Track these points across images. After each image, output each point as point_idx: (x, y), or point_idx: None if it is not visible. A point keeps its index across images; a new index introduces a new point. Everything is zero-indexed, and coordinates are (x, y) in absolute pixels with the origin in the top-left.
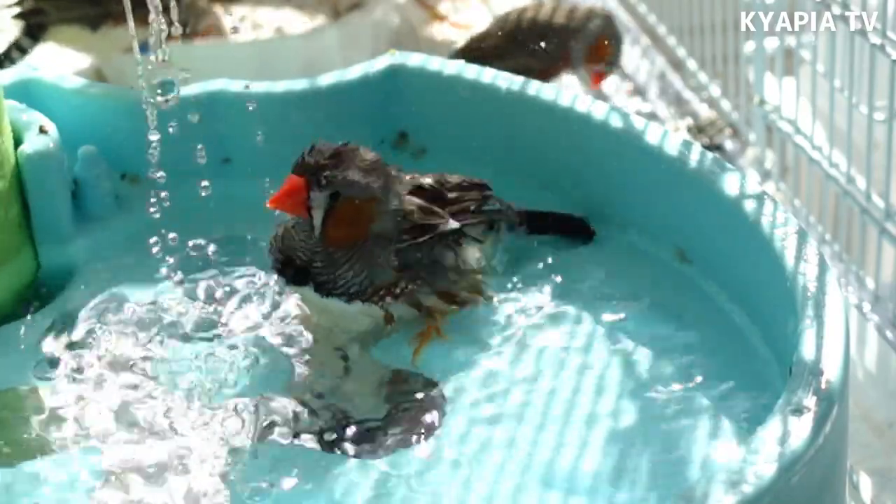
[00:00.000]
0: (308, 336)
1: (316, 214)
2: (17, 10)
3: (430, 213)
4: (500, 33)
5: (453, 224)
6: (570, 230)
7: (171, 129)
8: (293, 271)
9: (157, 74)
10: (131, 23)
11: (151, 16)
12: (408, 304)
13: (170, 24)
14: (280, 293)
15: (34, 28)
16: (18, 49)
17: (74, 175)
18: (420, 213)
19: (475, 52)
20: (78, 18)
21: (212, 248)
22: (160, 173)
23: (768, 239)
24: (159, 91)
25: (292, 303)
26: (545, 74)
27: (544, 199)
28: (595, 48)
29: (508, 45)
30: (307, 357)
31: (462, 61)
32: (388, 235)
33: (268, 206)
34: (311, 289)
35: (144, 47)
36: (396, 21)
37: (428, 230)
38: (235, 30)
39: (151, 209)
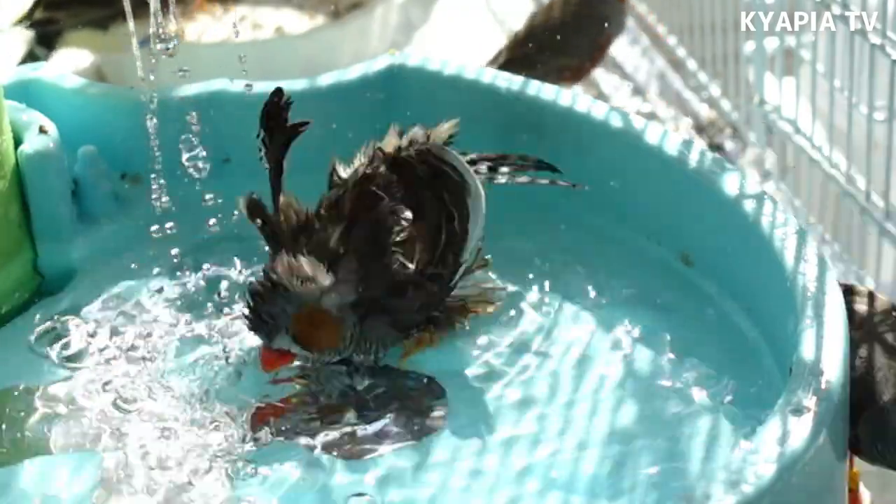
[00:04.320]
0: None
1: (296, 350)
2: (28, 22)
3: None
4: (528, 43)
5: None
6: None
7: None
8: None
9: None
10: (131, 20)
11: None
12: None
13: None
14: None
15: (49, 36)
16: (33, 59)
17: (74, 175)
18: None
19: (510, 63)
20: (89, 21)
21: (212, 248)
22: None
23: (768, 239)
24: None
25: None
26: (583, 69)
27: (544, 198)
28: None
29: (540, 52)
30: (306, 357)
31: (462, 61)
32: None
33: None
34: None
35: (144, 42)
36: (396, 21)
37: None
38: (236, 31)
39: (151, 209)
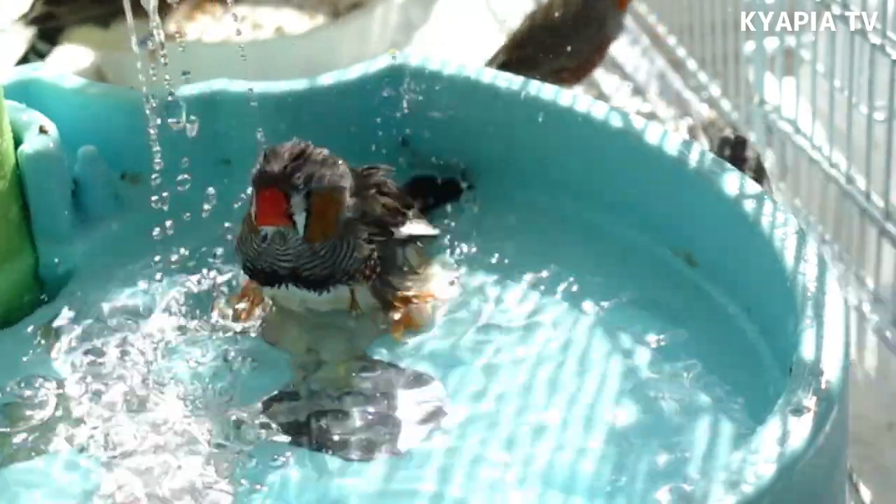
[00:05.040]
0: (307, 337)
1: (298, 220)
2: (29, 18)
3: (395, 212)
4: (527, 43)
5: (407, 231)
6: (446, 196)
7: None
8: (265, 275)
9: (161, 91)
10: (130, 20)
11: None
12: (373, 294)
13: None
14: None
15: (50, 32)
16: (36, 54)
17: (74, 175)
18: (383, 210)
19: (509, 63)
20: (90, 18)
21: (211, 249)
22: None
23: (768, 239)
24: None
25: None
26: (581, 71)
27: (544, 199)
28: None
29: (539, 52)
30: (307, 357)
31: (462, 61)
32: (356, 218)
33: (258, 227)
34: (285, 290)
35: (144, 42)
36: (396, 21)
37: (386, 228)
38: (238, 32)
39: (151, 209)
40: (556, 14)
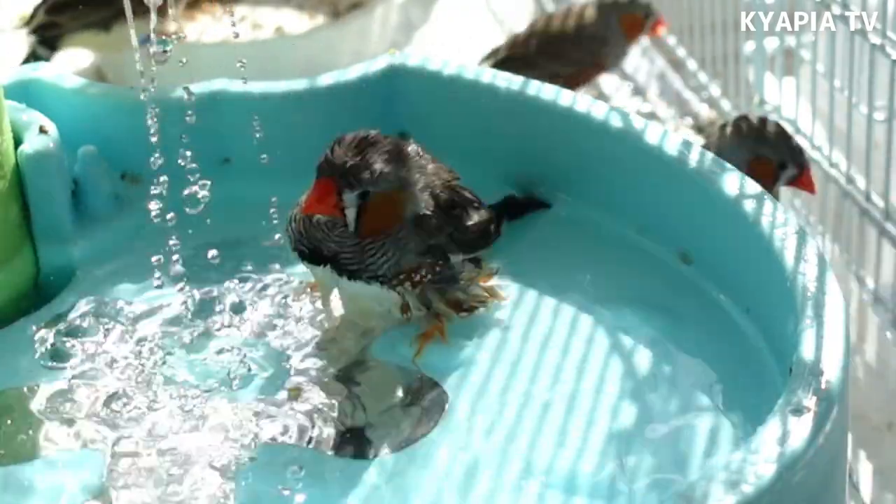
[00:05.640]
0: (308, 337)
1: (349, 213)
2: (31, 28)
3: (457, 191)
4: (528, 42)
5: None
6: (530, 208)
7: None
8: (310, 252)
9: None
10: (130, 17)
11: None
12: (420, 300)
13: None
14: (284, 296)
15: (51, 39)
16: (36, 59)
17: (74, 175)
18: (447, 192)
19: (506, 62)
20: (92, 23)
21: (211, 248)
22: (162, 176)
23: (768, 239)
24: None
25: (296, 304)
26: (576, 79)
27: (543, 197)
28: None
29: (538, 55)
30: (308, 358)
31: (462, 61)
32: (422, 215)
33: (303, 213)
34: (328, 269)
35: (145, 40)
36: (396, 21)
37: (457, 204)
38: (236, 34)
39: (151, 209)
40: (558, 23)
